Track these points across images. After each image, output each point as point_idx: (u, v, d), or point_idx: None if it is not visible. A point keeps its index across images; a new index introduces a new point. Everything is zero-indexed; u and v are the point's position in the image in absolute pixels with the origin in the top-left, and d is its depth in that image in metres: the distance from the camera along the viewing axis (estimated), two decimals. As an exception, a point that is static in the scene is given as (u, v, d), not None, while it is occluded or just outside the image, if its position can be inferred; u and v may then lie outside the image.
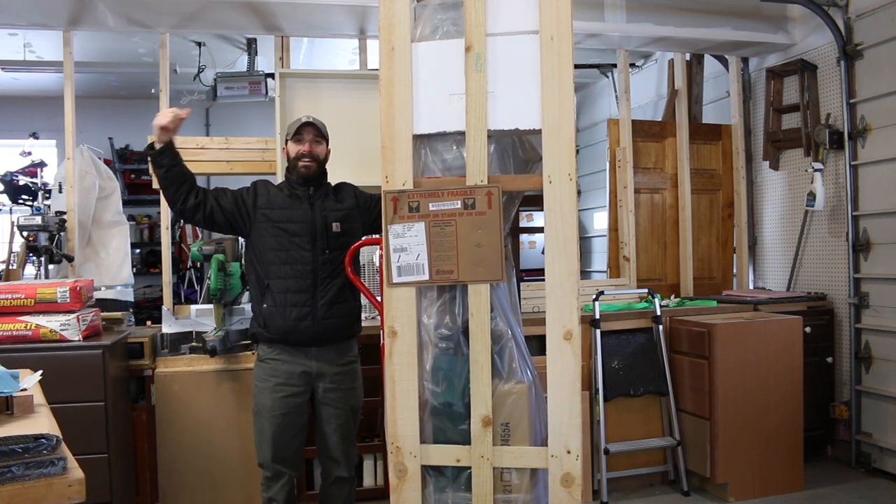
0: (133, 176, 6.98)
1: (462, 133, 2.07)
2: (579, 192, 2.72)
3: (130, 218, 5.86)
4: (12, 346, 2.82)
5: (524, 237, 6.11)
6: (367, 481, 3.57)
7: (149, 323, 4.33)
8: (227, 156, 3.98)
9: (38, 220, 3.56)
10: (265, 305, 2.66)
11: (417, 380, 2.09)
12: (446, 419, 2.13)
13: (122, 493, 3.02)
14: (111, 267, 4.07)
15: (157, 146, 2.63)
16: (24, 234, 3.55)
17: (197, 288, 6.46)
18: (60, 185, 3.85)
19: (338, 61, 5.66)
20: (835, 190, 4.17)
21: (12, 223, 3.74)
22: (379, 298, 2.46)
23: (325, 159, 2.79)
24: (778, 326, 3.66)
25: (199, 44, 5.03)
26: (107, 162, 5.31)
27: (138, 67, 5.70)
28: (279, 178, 3.78)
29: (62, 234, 3.68)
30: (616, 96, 4.96)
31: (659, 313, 3.79)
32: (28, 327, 2.86)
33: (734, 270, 4.80)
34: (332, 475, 2.79)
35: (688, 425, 3.70)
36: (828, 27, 4.02)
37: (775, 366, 3.60)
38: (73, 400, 2.77)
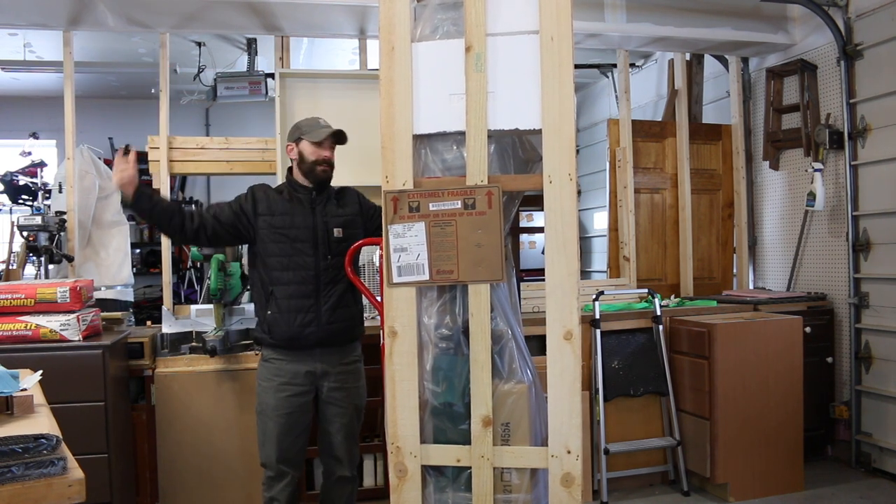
0: (133, 176, 6.96)
1: (462, 133, 2.07)
2: (579, 192, 2.72)
3: (130, 218, 5.83)
4: (12, 346, 2.81)
5: (524, 237, 6.11)
6: (367, 481, 3.57)
7: (149, 323, 4.33)
8: (227, 156, 3.98)
9: (38, 220, 3.56)
10: (269, 312, 2.66)
11: (417, 380, 2.09)
12: (446, 419, 2.12)
13: (122, 493, 3.02)
14: (111, 267, 4.07)
15: (129, 200, 2.61)
16: (24, 234, 3.55)
17: (197, 288, 6.46)
18: (60, 185, 3.85)
19: (338, 61, 5.66)
20: (835, 190, 4.17)
21: (12, 223, 3.74)
22: (379, 298, 2.46)
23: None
24: (778, 326, 3.66)
25: (199, 44, 5.03)
26: (107, 162, 5.29)
27: (138, 67, 5.70)
28: (279, 178, 3.79)
29: (62, 234, 3.68)
30: (616, 96, 4.96)
31: (659, 313, 3.78)
32: (28, 327, 2.86)
33: (734, 270, 4.80)
34: (334, 474, 2.80)
35: (688, 425, 3.70)
36: (828, 27, 4.02)
37: (775, 366, 3.60)
38: (73, 400, 2.77)
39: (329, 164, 2.72)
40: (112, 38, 4.93)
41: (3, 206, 4.76)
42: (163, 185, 3.87)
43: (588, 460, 3.57)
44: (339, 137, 2.73)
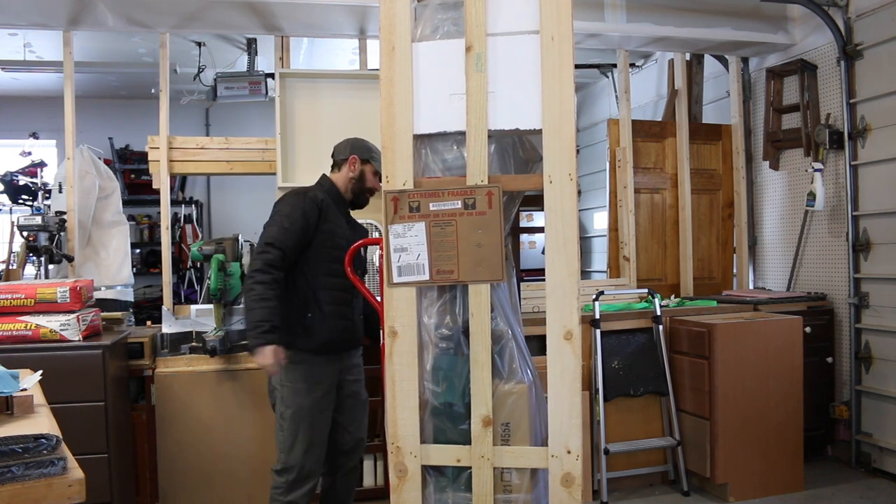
0: (133, 176, 6.97)
1: (462, 133, 2.07)
2: (579, 192, 2.72)
3: (130, 218, 5.85)
4: (12, 346, 2.81)
5: (524, 237, 6.10)
6: (367, 481, 3.56)
7: (149, 323, 4.33)
8: (227, 156, 3.99)
9: (38, 220, 3.56)
10: (310, 315, 2.69)
11: (418, 380, 2.09)
12: (446, 419, 2.13)
13: (122, 493, 3.02)
14: (111, 267, 4.06)
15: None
16: (24, 234, 3.54)
17: (197, 288, 6.46)
18: (60, 185, 3.85)
19: (338, 61, 5.66)
20: (835, 190, 4.17)
21: (12, 223, 3.74)
22: (379, 298, 2.46)
23: None
24: (778, 326, 3.65)
25: (199, 44, 5.03)
26: (107, 162, 5.31)
27: (138, 67, 5.70)
28: (280, 179, 3.79)
29: (62, 234, 3.68)
30: (616, 96, 4.96)
31: (659, 313, 3.78)
32: (28, 327, 2.86)
33: (734, 270, 4.80)
34: (346, 466, 2.89)
35: (688, 425, 3.70)
36: (828, 27, 4.02)
37: (775, 366, 3.60)
38: (73, 400, 2.76)
39: (373, 194, 2.88)
40: (112, 38, 4.92)
41: (3, 206, 4.76)
42: (163, 185, 3.87)
43: (588, 460, 3.57)
44: None
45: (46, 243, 3.57)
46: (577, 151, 2.08)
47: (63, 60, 3.77)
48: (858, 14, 3.97)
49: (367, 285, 2.97)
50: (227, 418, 3.32)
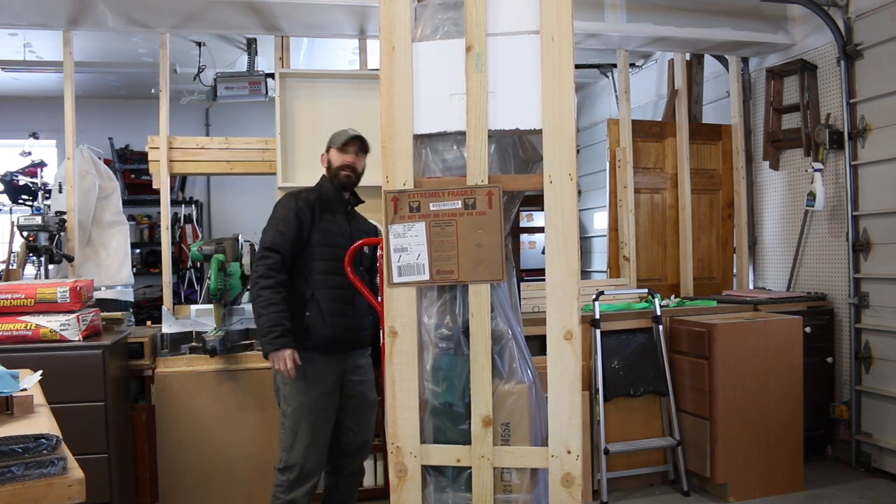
0: (133, 176, 6.97)
1: (462, 133, 2.07)
2: (579, 192, 2.72)
3: (130, 218, 5.85)
4: (12, 346, 2.81)
5: (524, 237, 6.10)
6: (368, 481, 3.55)
7: (149, 323, 4.34)
8: (227, 156, 3.99)
9: (38, 220, 3.56)
10: (308, 314, 2.69)
11: (418, 380, 2.09)
12: (446, 419, 2.13)
13: (122, 493, 3.02)
14: (111, 267, 4.06)
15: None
16: (24, 234, 3.54)
17: (197, 288, 6.46)
18: (60, 185, 3.85)
19: (338, 61, 5.66)
20: (835, 190, 4.17)
21: (12, 223, 3.74)
22: (379, 299, 2.46)
23: (362, 173, 2.89)
24: (778, 326, 3.65)
25: (199, 44, 5.02)
26: (107, 162, 5.30)
27: (138, 67, 5.69)
28: (280, 179, 3.79)
29: (62, 234, 3.68)
30: (616, 96, 4.96)
31: (659, 313, 3.78)
32: (28, 327, 2.86)
33: (734, 270, 4.80)
34: (347, 469, 2.88)
35: (688, 425, 3.70)
36: (828, 27, 4.02)
37: (775, 366, 3.60)
38: (73, 400, 2.76)
39: (352, 170, 2.81)
40: (112, 38, 4.92)
41: (3, 206, 4.76)
42: (163, 185, 3.87)
43: (588, 460, 3.57)
44: (361, 143, 2.83)
45: (46, 243, 3.57)
46: (577, 151, 2.08)
47: (63, 60, 3.77)
48: (858, 14, 3.97)
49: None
50: (227, 418, 3.32)
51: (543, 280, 2.06)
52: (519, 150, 2.17)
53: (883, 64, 3.84)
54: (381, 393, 2.71)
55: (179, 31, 4.08)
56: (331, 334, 2.70)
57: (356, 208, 2.95)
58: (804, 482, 3.66)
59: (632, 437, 3.73)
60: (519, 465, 2.08)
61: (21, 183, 4.28)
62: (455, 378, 2.12)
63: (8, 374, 1.64)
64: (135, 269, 5.74)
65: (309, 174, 3.47)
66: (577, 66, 2.23)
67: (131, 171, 6.98)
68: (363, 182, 3.03)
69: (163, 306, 3.76)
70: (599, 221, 6.38)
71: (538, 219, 5.46)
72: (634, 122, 4.51)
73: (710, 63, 4.90)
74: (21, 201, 4.33)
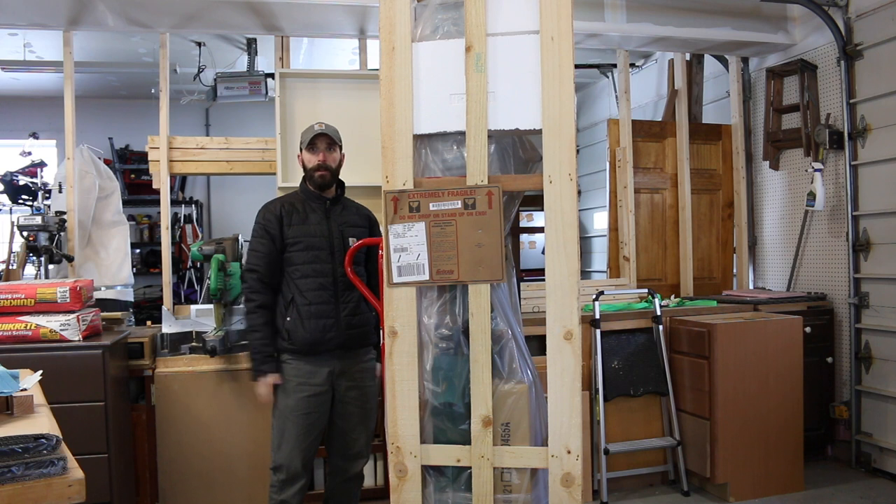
0: (133, 176, 6.98)
1: (462, 133, 2.07)
2: (579, 192, 2.72)
3: (130, 218, 5.86)
4: (12, 346, 2.81)
5: (524, 237, 6.11)
6: (367, 481, 3.55)
7: (149, 323, 4.33)
8: (227, 156, 3.99)
9: (38, 220, 3.55)
10: (288, 318, 2.69)
11: (418, 380, 2.09)
12: (446, 419, 2.12)
13: (122, 493, 3.02)
14: (111, 267, 4.06)
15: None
16: (24, 234, 3.54)
17: (197, 288, 6.46)
18: (60, 185, 3.85)
19: (338, 61, 5.66)
20: (835, 190, 4.17)
21: (12, 223, 3.74)
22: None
23: (340, 165, 2.84)
24: (778, 326, 3.65)
25: (199, 44, 5.02)
26: (107, 162, 5.31)
27: (138, 67, 5.69)
28: (280, 179, 3.79)
29: (62, 234, 3.68)
30: (616, 96, 4.96)
31: (659, 313, 3.78)
32: (28, 327, 2.86)
33: (734, 270, 4.80)
34: (346, 473, 2.85)
35: (688, 425, 3.70)
36: (828, 27, 4.02)
37: (775, 366, 3.60)
38: (73, 400, 2.76)
39: (325, 168, 2.75)
40: (112, 38, 4.92)
41: (3, 206, 4.75)
42: (163, 185, 3.87)
43: (588, 460, 3.57)
44: (327, 138, 2.76)
45: (46, 243, 3.57)
46: (577, 151, 2.08)
47: (63, 60, 3.77)
48: (858, 14, 3.97)
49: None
50: (227, 418, 3.32)
51: (543, 280, 2.06)
52: (519, 150, 2.17)
53: (883, 64, 3.84)
54: (381, 393, 2.71)
55: (179, 31, 4.08)
56: (309, 337, 2.66)
57: (347, 195, 2.89)
58: (804, 482, 3.66)
59: (632, 437, 3.73)
60: (519, 465, 2.08)
61: (21, 183, 4.27)
62: (455, 378, 2.11)
63: (8, 374, 1.64)
64: (135, 269, 5.74)
65: (309, 174, 3.46)
66: (577, 66, 2.23)
67: (131, 171, 6.99)
68: (363, 182, 3.03)
69: (163, 306, 3.76)
70: (599, 221, 6.38)
71: (538, 219, 5.46)
72: (634, 122, 4.51)
73: (710, 63, 4.90)
74: (21, 201, 4.32)
